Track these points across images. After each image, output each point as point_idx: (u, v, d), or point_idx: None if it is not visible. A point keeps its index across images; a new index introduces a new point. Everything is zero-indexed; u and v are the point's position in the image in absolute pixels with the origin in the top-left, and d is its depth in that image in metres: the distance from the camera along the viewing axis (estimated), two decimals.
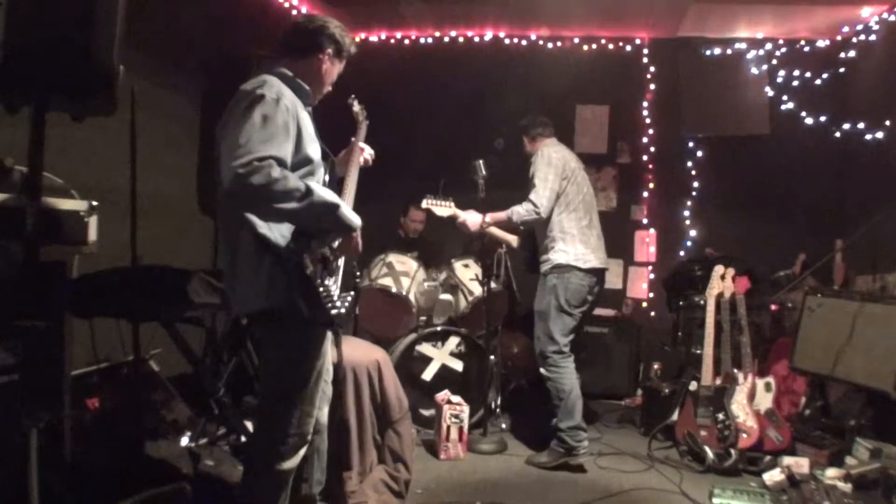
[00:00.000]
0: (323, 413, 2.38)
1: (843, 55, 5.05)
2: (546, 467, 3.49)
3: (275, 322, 2.06)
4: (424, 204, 3.80)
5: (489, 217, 3.70)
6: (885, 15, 4.60)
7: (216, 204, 2.11)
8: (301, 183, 1.87)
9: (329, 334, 2.26)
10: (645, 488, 3.25)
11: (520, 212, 3.61)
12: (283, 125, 1.92)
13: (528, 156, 3.83)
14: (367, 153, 2.53)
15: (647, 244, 5.59)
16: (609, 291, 5.29)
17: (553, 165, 3.62)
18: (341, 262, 2.17)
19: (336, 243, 2.12)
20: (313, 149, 2.10)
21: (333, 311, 2.00)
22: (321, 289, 1.96)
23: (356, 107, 2.63)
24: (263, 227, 1.94)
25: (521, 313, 4.61)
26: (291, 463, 2.12)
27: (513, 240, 4.21)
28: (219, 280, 2.49)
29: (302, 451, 2.16)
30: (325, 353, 2.24)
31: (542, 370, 3.58)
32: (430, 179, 4.01)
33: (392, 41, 5.87)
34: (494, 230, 3.98)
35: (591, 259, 3.61)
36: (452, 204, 3.81)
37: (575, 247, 3.59)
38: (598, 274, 3.67)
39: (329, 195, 1.99)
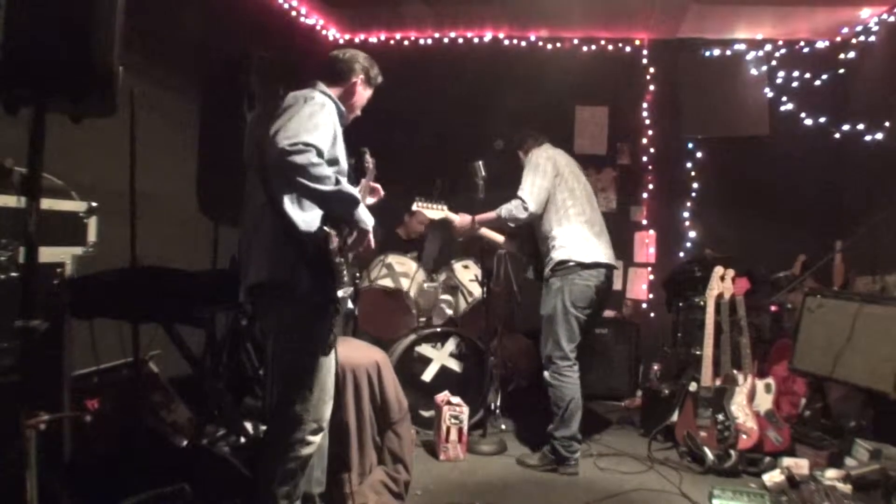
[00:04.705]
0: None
1: (842, 56, 5.06)
2: (536, 469, 3.50)
3: (276, 297, 2.23)
4: (415, 206, 3.68)
5: (478, 218, 3.65)
6: (884, 16, 4.61)
7: (260, 178, 2.24)
8: (333, 175, 2.12)
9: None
10: (645, 489, 3.25)
11: (508, 208, 3.57)
12: (325, 124, 2.19)
13: (523, 166, 3.75)
14: (380, 191, 2.83)
15: (646, 245, 5.59)
16: None
17: (540, 165, 3.59)
18: (350, 256, 2.32)
19: (350, 239, 2.28)
20: (343, 157, 2.35)
21: (339, 292, 2.15)
22: (334, 267, 2.14)
23: (368, 158, 2.85)
24: (289, 207, 2.16)
25: (521, 314, 4.60)
26: (308, 449, 2.26)
27: (500, 239, 4.07)
28: (218, 281, 2.49)
29: (318, 438, 2.30)
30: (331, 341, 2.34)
31: (545, 374, 3.55)
32: (429, 180, 3.99)
33: (392, 42, 5.88)
34: (485, 231, 3.87)
35: (595, 253, 3.51)
36: (445, 207, 3.71)
37: (574, 241, 3.51)
38: (604, 269, 3.57)
39: (354, 190, 2.23)
